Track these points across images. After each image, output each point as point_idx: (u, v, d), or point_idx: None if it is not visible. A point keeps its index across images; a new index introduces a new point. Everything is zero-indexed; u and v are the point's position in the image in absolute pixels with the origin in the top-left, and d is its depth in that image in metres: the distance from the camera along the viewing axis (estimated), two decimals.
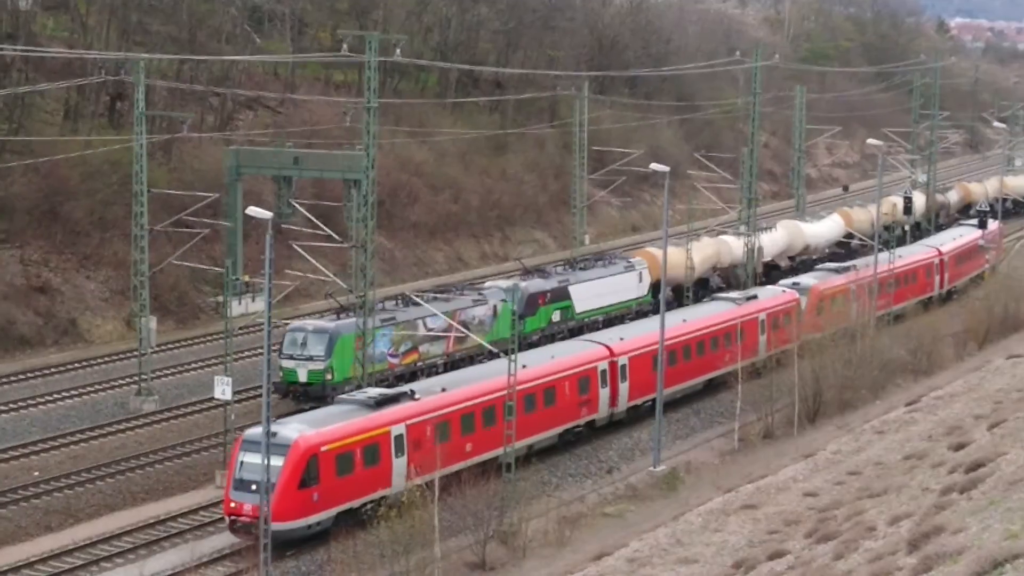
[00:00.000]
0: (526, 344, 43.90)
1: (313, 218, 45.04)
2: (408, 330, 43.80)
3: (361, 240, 40.27)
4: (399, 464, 32.36)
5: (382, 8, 73.05)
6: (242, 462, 29.99)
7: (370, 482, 31.39)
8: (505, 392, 33.63)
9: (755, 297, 49.17)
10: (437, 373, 43.55)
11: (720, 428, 42.18)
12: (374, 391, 34.51)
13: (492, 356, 41.66)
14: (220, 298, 44.44)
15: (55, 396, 40.34)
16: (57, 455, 35.59)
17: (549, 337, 49.06)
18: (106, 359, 44.71)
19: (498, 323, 47.06)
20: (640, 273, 55.21)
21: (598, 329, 49.29)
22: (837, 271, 54.39)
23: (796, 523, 25.86)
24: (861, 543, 20.08)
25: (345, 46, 42.02)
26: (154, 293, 44.46)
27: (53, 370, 43.32)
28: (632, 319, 52.22)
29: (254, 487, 28.47)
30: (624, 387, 39.71)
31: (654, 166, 41.32)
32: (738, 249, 58.94)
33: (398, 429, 32.28)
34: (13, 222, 49.49)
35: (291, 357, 40.21)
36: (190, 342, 48.25)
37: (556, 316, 51.36)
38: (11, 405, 38.97)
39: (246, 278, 46.18)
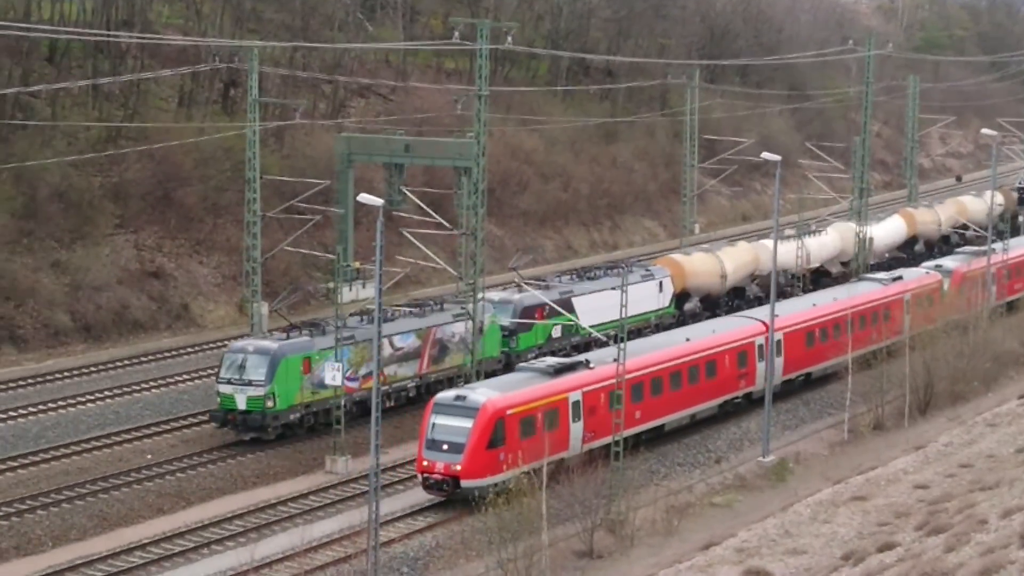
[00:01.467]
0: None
1: (423, 205, 44.86)
2: (370, 349, 36.48)
3: (471, 228, 40.00)
4: (576, 429, 34.05)
5: None
6: (433, 424, 31.89)
7: (550, 445, 32.75)
8: (673, 363, 36.40)
9: (900, 278, 49.56)
10: (407, 398, 39.75)
11: (829, 419, 41.89)
12: (552, 360, 36.21)
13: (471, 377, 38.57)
14: (331, 284, 43.89)
15: (168, 380, 40.26)
16: (169, 439, 35.54)
17: (550, 354, 43.33)
18: (218, 344, 44.24)
19: (484, 340, 41.62)
20: (661, 282, 49.87)
21: (606, 345, 43.64)
22: (975, 255, 54.12)
23: (906, 515, 25.79)
24: (973, 536, 20.22)
25: (456, 34, 41.69)
26: (266, 279, 44.71)
27: (166, 354, 43.27)
28: (651, 333, 47.65)
29: (445, 447, 31.05)
30: (779, 361, 40.80)
31: (765, 155, 40.72)
32: (782, 255, 53.70)
33: (575, 396, 34.12)
34: (128, 208, 49.49)
35: (228, 381, 35.07)
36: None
37: (557, 332, 46.39)
38: (125, 389, 39.04)
39: (357, 265, 46.40)
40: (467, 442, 31.33)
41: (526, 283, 46.75)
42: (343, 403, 34.77)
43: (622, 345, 33.52)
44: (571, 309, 46.72)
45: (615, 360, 33.90)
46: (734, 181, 75.35)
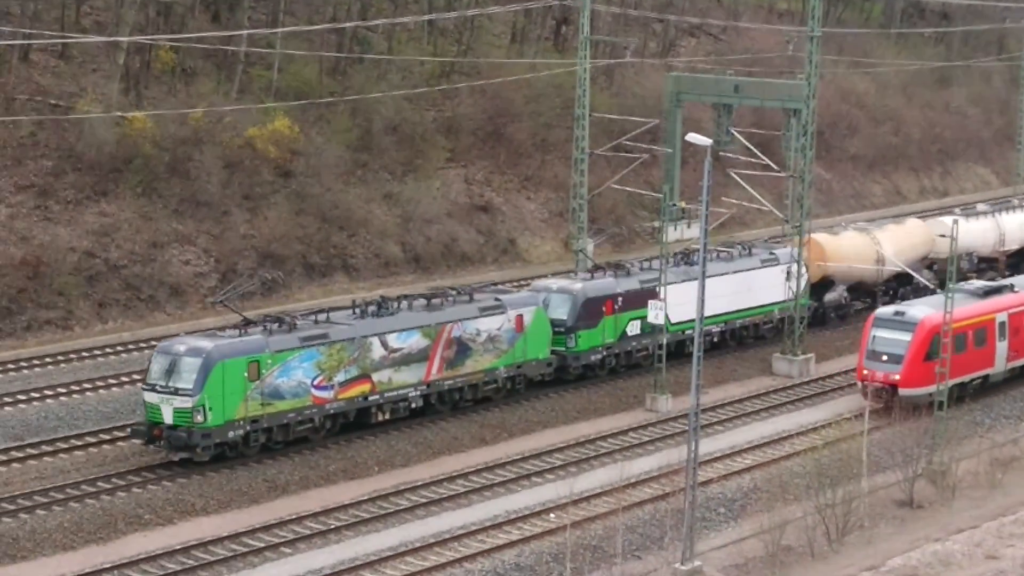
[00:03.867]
0: (576, 370, 34.18)
1: (751, 146, 41.74)
2: (350, 351, 29.69)
3: (799, 170, 37.54)
4: (1001, 347, 34.96)
5: None
6: (874, 336, 33.19)
7: (978, 361, 34.27)
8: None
9: None
10: (408, 409, 30.97)
11: None
12: (979, 283, 36.62)
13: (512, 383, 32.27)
14: (656, 223, 40.96)
15: None
16: None
17: (625, 354, 35.94)
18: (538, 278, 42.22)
19: (525, 340, 33.37)
20: (788, 268, 39.42)
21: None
22: None
23: None
24: None
25: None
26: (591, 216, 43.56)
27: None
28: (772, 331, 39.50)
29: (884, 358, 32.62)
30: None
31: None
32: (968, 235, 42.03)
33: (1001, 317, 35.08)
34: (459, 142, 48.10)
35: (153, 389, 26.34)
36: None
37: (634, 328, 36.70)
38: None
39: (682, 204, 43.25)
40: (906, 354, 32.80)
41: (598, 267, 37.47)
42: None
43: (949, 294, 32.07)
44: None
45: None
46: None
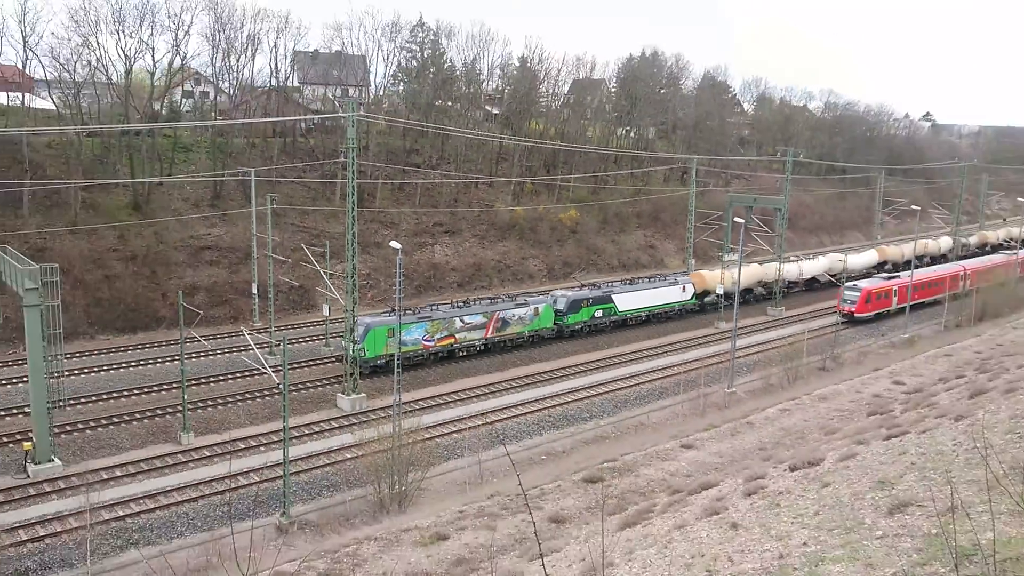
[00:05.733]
0: (568, 333, 57.32)
1: (761, 223, 77.71)
2: (443, 323, 49.92)
3: (780, 233, 74.50)
4: (893, 300, 56.00)
5: None
6: (844, 293, 55.77)
7: (883, 304, 57.08)
8: None
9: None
10: (476, 352, 51.63)
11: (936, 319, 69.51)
12: (885, 274, 51.50)
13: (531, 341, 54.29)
14: (723, 255, 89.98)
15: None
16: None
17: (592, 327, 58.83)
18: None
19: (539, 319, 54.30)
20: (684, 286, 65.53)
21: (640, 324, 62.62)
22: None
23: (969, 364, 31.99)
24: (1002, 375, 24.57)
25: None
26: (692, 253, 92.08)
27: None
28: (675, 318, 64.56)
29: (848, 301, 54.01)
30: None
31: None
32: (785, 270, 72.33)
33: (893, 286, 57.82)
34: (643, 219, 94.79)
35: (352, 340, 45.62)
36: None
37: (599, 313, 58.96)
38: None
39: (728, 256, 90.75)
40: (857, 299, 56.34)
41: (582, 284, 63.86)
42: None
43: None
44: (611, 301, 60.14)
45: None
46: None
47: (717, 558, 11.83)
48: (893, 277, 69.17)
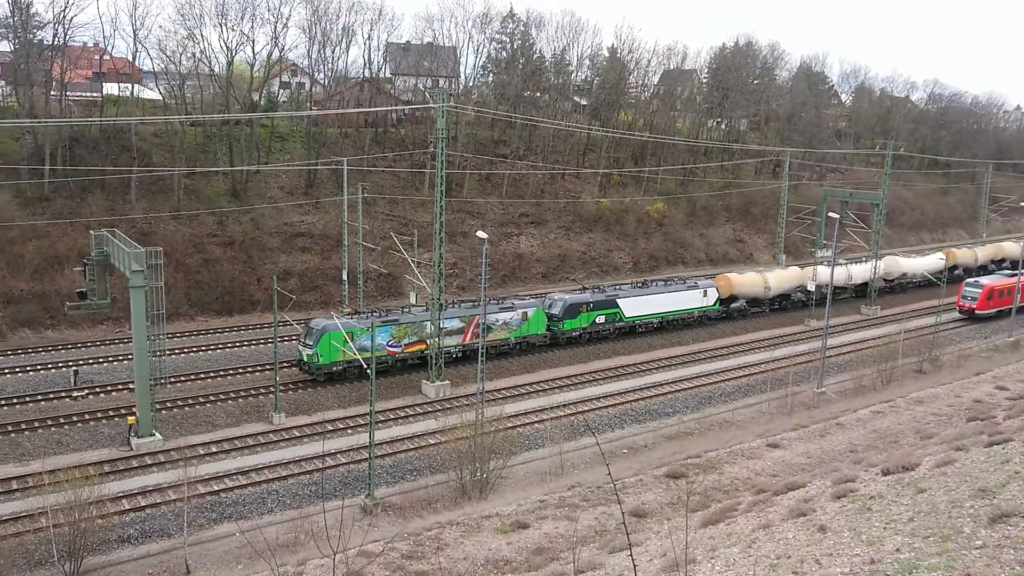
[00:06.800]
0: (563, 340, 51.60)
1: (856, 218, 76.91)
2: (411, 328, 45.74)
3: (877, 229, 72.01)
4: (1016, 298, 53.62)
5: None
6: (964, 290, 52.02)
7: (1004, 303, 54.62)
8: None
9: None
10: (453, 359, 46.83)
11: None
12: (1006, 272, 49.59)
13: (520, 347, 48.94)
14: (817, 251, 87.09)
15: None
16: None
17: (593, 335, 52.78)
18: None
19: (528, 324, 49.46)
20: (705, 291, 58.88)
21: (651, 331, 55.69)
22: None
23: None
24: None
25: None
26: (783, 247, 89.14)
27: None
28: (696, 325, 58.10)
29: (968, 298, 51.16)
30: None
31: None
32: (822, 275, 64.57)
33: (1014, 284, 56.77)
34: (733, 212, 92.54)
35: (304, 343, 44.51)
36: None
37: (601, 319, 53.06)
38: None
39: (819, 251, 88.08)
40: (978, 296, 53.18)
41: (584, 287, 58.23)
42: None
43: None
44: (615, 306, 54.06)
45: None
46: None
47: (804, 560, 11.55)
48: (1015, 274, 65.45)
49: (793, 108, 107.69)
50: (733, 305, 61.09)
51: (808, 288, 63.71)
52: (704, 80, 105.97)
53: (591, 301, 52.09)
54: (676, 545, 14.98)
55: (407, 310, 47.52)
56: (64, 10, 64.90)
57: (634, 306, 54.34)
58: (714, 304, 59.01)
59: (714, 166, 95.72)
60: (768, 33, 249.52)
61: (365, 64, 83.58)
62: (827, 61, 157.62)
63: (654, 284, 57.71)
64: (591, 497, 25.69)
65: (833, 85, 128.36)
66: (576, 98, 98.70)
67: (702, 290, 58.24)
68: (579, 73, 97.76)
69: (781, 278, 62.94)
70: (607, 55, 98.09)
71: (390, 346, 45.53)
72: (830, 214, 57.38)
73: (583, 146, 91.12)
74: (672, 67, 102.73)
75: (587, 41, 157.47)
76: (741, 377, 52.13)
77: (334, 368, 44.44)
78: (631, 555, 10.88)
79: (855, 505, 14.58)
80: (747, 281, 61.15)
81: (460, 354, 47.13)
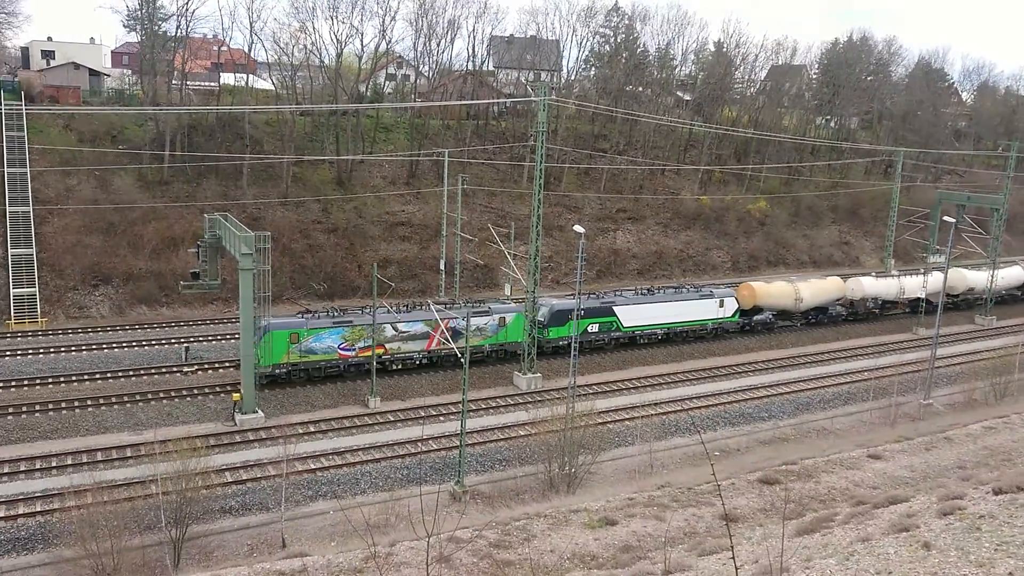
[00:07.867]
0: (549, 350, 47.06)
1: (973, 223, 74.71)
2: (367, 330, 42.06)
3: (995, 235, 69.08)
4: None
5: None
6: None
7: None
8: None
9: None
10: (415, 365, 43.65)
11: None
12: None
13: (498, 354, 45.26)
14: (927, 255, 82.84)
15: None
16: None
17: (585, 345, 47.27)
18: None
19: (506, 331, 46.11)
20: (722, 300, 52.99)
21: (652, 342, 49.42)
22: None
23: None
24: None
25: None
26: (893, 251, 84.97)
27: None
28: (711, 337, 52.39)
29: None
30: None
31: None
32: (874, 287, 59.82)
33: None
34: (840, 213, 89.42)
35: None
36: None
37: (594, 328, 48.35)
38: None
39: (931, 256, 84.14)
40: None
41: (592, 294, 51.53)
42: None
43: None
44: (611, 314, 49.03)
45: None
46: None
47: None
48: None
49: (909, 106, 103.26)
50: (757, 317, 54.94)
51: (851, 299, 58.68)
52: (814, 76, 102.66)
53: (583, 308, 47.05)
54: (769, 552, 14.59)
55: (366, 311, 43.78)
56: (187, 3, 67.79)
57: (633, 315, 49.28)
58: (733, 316, 53.00)
59: (821, 165, 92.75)
60: (885, 27, 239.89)
61: (469, 57, 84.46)
62: (948, 57, 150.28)
63: (661, 291, 51.94)
64: (681, 498, 25.35)
65: (953, 82, 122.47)
66: (679, 93, 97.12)
67: (718, 299, 52.66)
68: (683, 68, 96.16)
69: (816, 289, 56.19)
70: (713, 50, 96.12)
71: (342, 349, 42.38)
72: (944, 218, 56.05)
73: (684, 142, 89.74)
74: (780, 62, 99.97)
75: (693, 35, 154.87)
76: (841, 384, 50.78)
77: (279, 371, 42.02)
78: (733, 556, 10.59)
79: (963, 523, 13.88)
80: (774, 291, 54.82)
81: (426, 360, 44.33)
